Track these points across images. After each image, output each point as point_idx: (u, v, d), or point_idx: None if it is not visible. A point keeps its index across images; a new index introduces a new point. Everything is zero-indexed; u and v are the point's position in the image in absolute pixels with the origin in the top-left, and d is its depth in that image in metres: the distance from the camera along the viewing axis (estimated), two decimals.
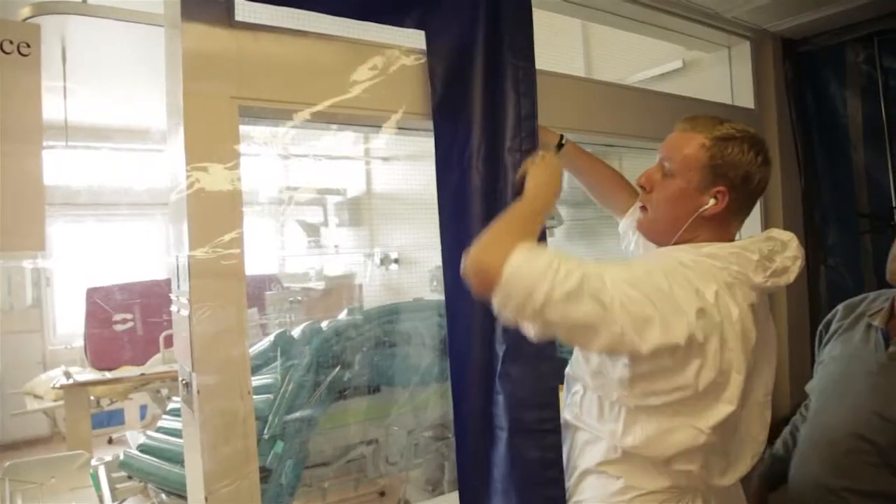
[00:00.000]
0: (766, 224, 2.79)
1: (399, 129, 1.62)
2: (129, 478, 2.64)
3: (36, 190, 1.20)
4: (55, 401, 4.13)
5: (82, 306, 4.70)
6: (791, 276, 1.33)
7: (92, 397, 4.16)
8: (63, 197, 4.56)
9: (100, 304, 4.49)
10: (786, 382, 2.78)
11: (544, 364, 1.57)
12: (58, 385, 3.98)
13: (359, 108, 1.54)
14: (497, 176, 1.63)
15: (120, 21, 1.77)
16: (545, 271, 1.12)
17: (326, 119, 1.53)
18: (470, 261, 1.20)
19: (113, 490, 2.63)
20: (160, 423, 2.78)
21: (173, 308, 1.45)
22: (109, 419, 4.65)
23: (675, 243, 1.38)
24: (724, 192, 1.33)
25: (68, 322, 5.52)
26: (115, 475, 2.74)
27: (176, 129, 1.37)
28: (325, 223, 5.27)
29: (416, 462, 2.62)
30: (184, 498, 2.43)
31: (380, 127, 1.59)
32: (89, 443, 3.78)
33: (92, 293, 4.60)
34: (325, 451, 2.46)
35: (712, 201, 1.34)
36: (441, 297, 1.76)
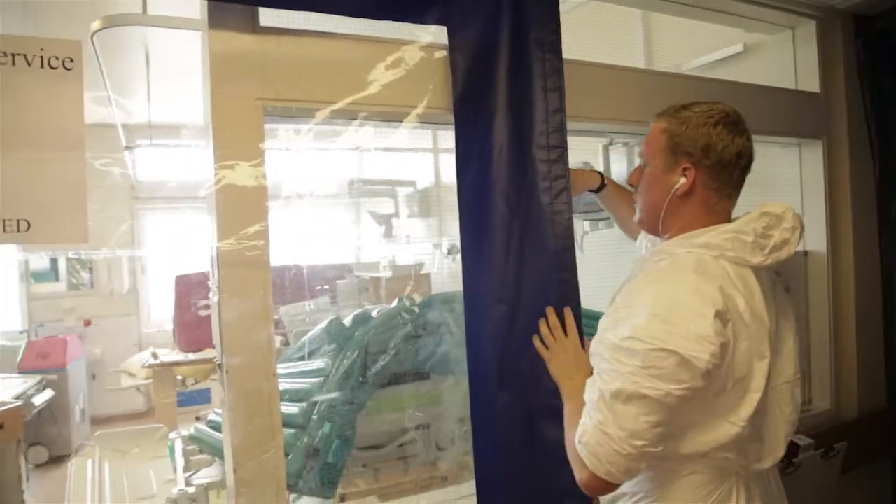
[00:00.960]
0: (832, 216, 2.67)
1: (420, 123, 1.67)
2: (200, 451, 2.83)
3: (79, 190, 1.34)
4: (146, 379, 4.47)
5: (172, 292, 5.01)
6: (791, 248, 1.33)
7: (179, 377, 4.46)
8: (150, 191, 4.89)
9: (186, 291, 4.79)
10: (853, 375, 2.68)
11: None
12: (146, 365, 4.30)
13: (380, 105, 1.61)
14: (525, 170, 1.65)
15: (171, 28, 1.89)
16: (610, 450, 1.20)
17: (349, 116, 1.60)
18: (584, 488, 1.29)
19: (187, 462, 2.82)
20: None
21: (210, 295, 1.57)
22: (197, 398, 4.96)
23: (668, 233, 1.39)
24: (690, 167, 1.34)
25: (161, 307, 5.92)
26: (189, 448, 2.94)
27: (207, 128, 1.48)
28: (396, 214, 5.39)
29: (465, 449, 2.68)
30: None
31: (401, 122, 1.64)
32: (174, 418, 4.06)
33: (180, 280, 4.91)
34: (376, 435, 2.55)
35: (682, 180, 1.35)
36: None
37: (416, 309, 2.54)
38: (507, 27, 1.67)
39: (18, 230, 1.30)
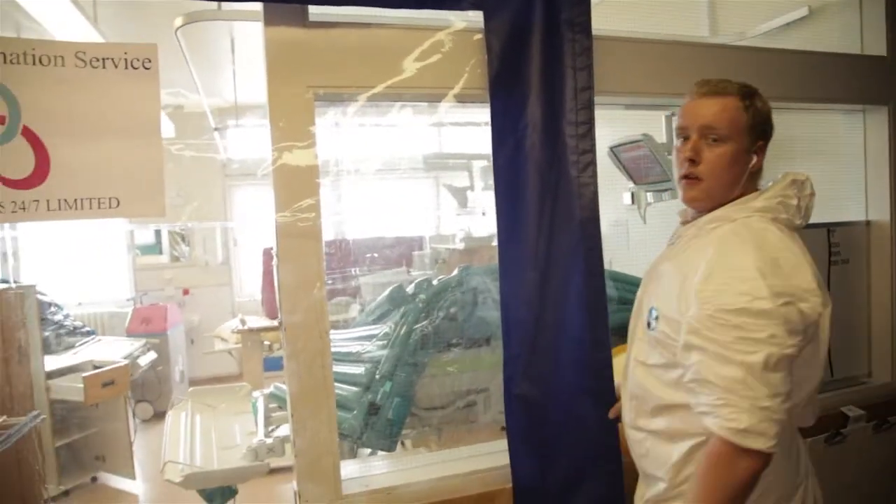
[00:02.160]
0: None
1: (458, 103, 1.80)
2: (279, 408, 3.10)
3: (156, 170, 1.57)
4: (236, 343, 4.86)
5: (260, 263, 5.38)
6: (811, 213, 1.42)
7: (266, 342, 4.82)
8: (238, 169, 5.22)
9: (272, 262, 5.12)
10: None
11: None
12: (236, 330, 4.67)
13: (421, 87, 1.75)
14: (555, 145, 1.76)
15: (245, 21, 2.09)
16: (773, 422, 1.19)
17: (391, 98, 1.75)
18: (751, 477, 1.23)
19: (267, 417, 3.10)
20: None
21: (274, 261, 1.78)
22: (277, 364, 5.32)
23: (717, 206, 1.43)
24: (763, 145, 1.43)
25: (252, 277, 6.34)
26: (270, 405, 3.22)
27: (266, 113, 1.67)
28: (472, 187, 5.52)
29: None
30: None
31: (440, 102, 1.78)
32: (261, 379, 4.41)
33: (266, 252, 5.26)
34: (438, 396, 2.73)
35: (755, 157, 1.42)
36: None
37: (474, 276, 2.68)
38: (540, 9, 1.77)
39: (110, 207, 1.54)
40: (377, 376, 2.50)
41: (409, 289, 2.79)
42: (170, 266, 6.49)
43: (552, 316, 1.74)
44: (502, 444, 1.88)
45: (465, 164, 5.39)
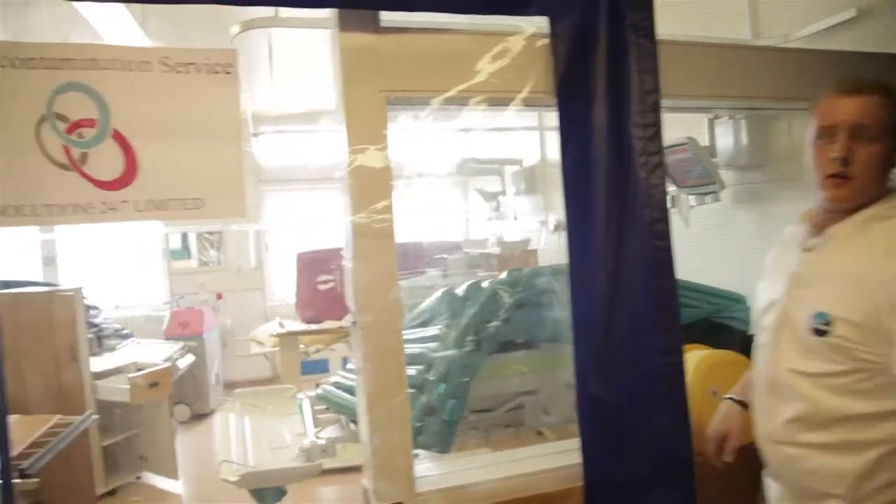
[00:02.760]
0: None
1: (525, 107, 1.83)
2: (326, 409, 3.14)
3: (237, 172, 1.62)
4: (273, 347, 4.91)
5: (293, 268, 5.44)
6: None
7: (302, 346, 4.87)
8: (275, 174, 5.28)
9: (306, 267, 5.19)
10: None
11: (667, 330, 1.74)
12: (274, 333, 4.73)
13: (488, 91, 1.78)
14: (621, 147, 1.78)
15: (302, 28, 2.13)
16: None
17: (460, 103, 1.78)
18: None
19: (315, 419, 3.13)
20: (349, 364, 3.25)
21: (344, 262, 1.82)
22: (317, 367, 5.36)
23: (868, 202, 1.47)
24: None
25: (283, 282, 6.41)
26: (316, 407, 3.26)
27: (340, 117, 1.71)
28: (503, 192, 5.57)
29: (571, 415, 2.83)
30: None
31: (507, 106, 1.81)
32: (299, 382, 4.46)
33: (300, 257, 5.32)
34: (487, 399, 2.75)
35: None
36: None
37: (525, 280, 2.70)
38: (605, 14, 1.79)
39: (195, 207, 1.59)
40: (431, 378, 2.52)
41: (459, 291, 2.82)
42: (204, 270, 6.57)
43: (622, 317, 1.75)
44: (570, 443, 1.90)
45: (497, 169, 5.44)
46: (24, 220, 1.51)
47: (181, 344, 5.04)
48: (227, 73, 1.62)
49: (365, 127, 1.67)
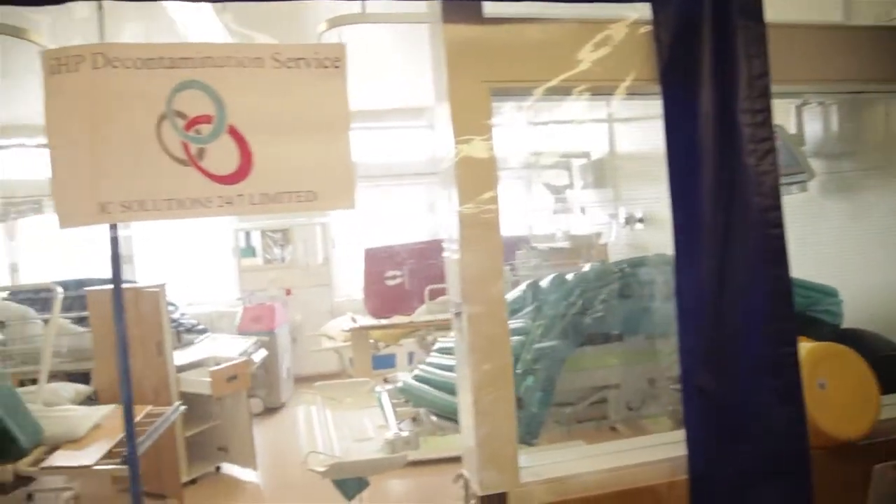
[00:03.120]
0: None
1: (629, 94, 1.80)
2: (406, 402, 3.16)
3: (346, 164, 1.64)
4: (344, 341, 4.98)
5: (361, 264, 5.51)
6: None
7: (371, 340, 4.93)
8: None
9: (374, 263, 5.26)
10: None
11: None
12: (346, 328, 4.80)
13: (591, 80, 1.77)
14: (729, 134, 1.74)
15: (391, 24, 2.15)
16: None
17: (563, 92, 1.77)
18: None
19: (395, 412, 3.16)
20: (429, 358, 3.27)
21: (446, 254, 1.82)
22: (384, 362, 5.42)
23: None
24: None
25: (350, 278, 6.49)
26: (394, 401, 3.29)
27: (443, 109, 1.72)
28: (571, 185, 5.52)
29: (654, 410, 2.79)
30: (448, 419, 2.87)
31: (611, 94, 1.79)
32: (370, 375, 4.50)
33: (368, 253, 5.39)
34: (570, 392, 2.73)
35: None
36: None
37: (611, 273, 2.67)
38: None
39: (308, 200, 1.62)
40: (518, 370, 2.52)
41: (544, 283, 2.80)
42: (272, 267, 6.71)
43: (732, 308, 1.72)
44: (673, 435, 1.87)
45: (565, 163, 5.39)
46: (147, 214, 1.57)
47: (254, 339, 5.15)
48: (336, 67, 1.64)
49: (470, 118, 1.68)
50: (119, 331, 2.15)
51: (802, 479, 1.69)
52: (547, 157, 4.99)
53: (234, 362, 4.24)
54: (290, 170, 1.62)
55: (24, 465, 2.78)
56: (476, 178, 1.67)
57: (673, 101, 1.77)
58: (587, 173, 5.15)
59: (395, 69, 4.05)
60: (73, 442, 2.97)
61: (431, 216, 6.73)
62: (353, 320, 4.87)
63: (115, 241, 1.89)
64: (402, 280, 5.22)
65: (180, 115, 1.58)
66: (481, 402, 1.70)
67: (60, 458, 2.84)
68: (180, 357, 4.26)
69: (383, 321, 4.84)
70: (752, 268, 1.70)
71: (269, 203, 1.61)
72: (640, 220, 4.62)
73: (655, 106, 2.15)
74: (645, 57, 1.80)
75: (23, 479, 2.99)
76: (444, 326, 4.66)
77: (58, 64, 1.54)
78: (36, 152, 5.73)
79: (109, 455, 2.87)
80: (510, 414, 1.74)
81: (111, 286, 4.35)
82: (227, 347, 4.82)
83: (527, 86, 1.74)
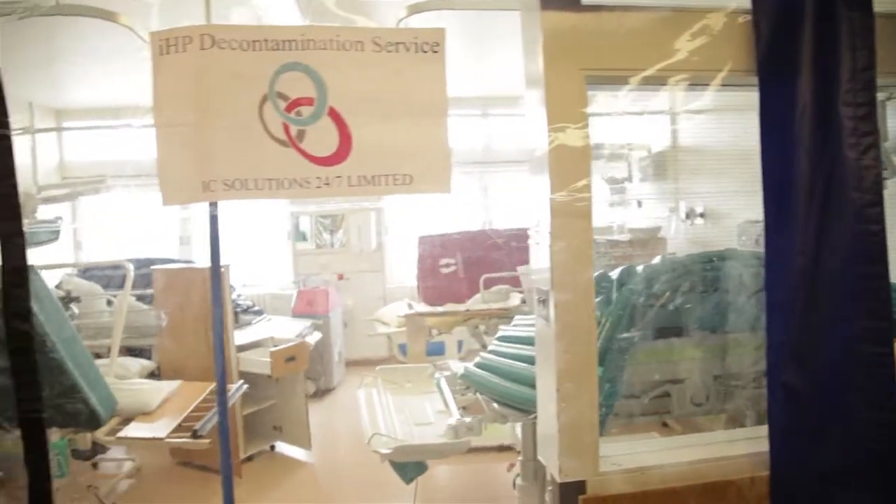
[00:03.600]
0: None
1: (722, 85, 1.78)
2: (467, 388, 3.19)
3: (443, 149, 1.66)
4: (398, 327, 5.02)
5: (414, 251, 5.55)
6: None
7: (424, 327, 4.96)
8: None
9: (428, 250, 5.29)
10: None
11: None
12: (402, 315, 4.84)
13: (687, 70, 1.75)
14: (829, 127, 1.70)
15: (475, 10, 2.15)
16: None
17: (658, 82, 1.76)
18: None
19: (459, 397, 3.19)
20: (491, 347, 3.29)
21: (531, 242, 1.83)
22: (435, 349, 5.46)
23: None
24: None
25: (402, 264, 6.55)
26: (454, 387, 3.32)
27: (536, 97, 1.72)
28: (629, 178, 5.46)
29: (720, 407, 2.75)
30: (510, 407, 2.89)
31: (706, 85, 1.77)
32: (423, 362, 4.54)
33: (422, 240, 5.42)
34: (635, 385, 2.71)
35: None
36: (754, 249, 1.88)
37: (683, 265, 2.63)
38: None
39: (404, 183, 1.64)
40: None
41: (613, 275, 2.78)
42: (326, 252, 6.80)
43: (824, 304, 1.69)
44: (754, 430, 1.86)
45: (625, 155, 5.33)
46: (247, 193, 1.61)
47: (309, 322, 5.24)
48: (435, 51, 1.66)
49: (565, 105, 1.67)
50: (216, 309, 2.24)
51: (890, 485, 1.66)
52: (607, 148, 4.93)
53: (293, 343, 4.32)
54: (388, 153, 1.65)
55: (100, 435, 2.88)
56: (569, 166, 1.67)
57: (770, 92, 1.74)
58: (647, 166, 5.09)
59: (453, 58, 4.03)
60: (146, 415, 3.07)
61: (484, 204, 6.73)
62: (410, 306, 4.91)
63: (214, 220, 1.94)
64: (455, 268, 5.25)
65: (282, 96, 1.62)
66: (565, 389, 1.71)
67: (134, 430, 2.94)
68: (239, 337, 4.36)
69: (439, 308, 4.86)
70: (847, 265, 1.66)
71: (366, 185, 1.64)
72: (701, 215, 4.55)
73: (727, 97, 2.11)
74: (742, 47, 1.77)
75: (99, 447, 3.11)
76: (498, 315, 4.67)
77: (166, 44, 1.59)
78: (102, 134, 5.92)
79: (178, 429, 2.96)
80: (593, 402, 1.75)
81: (175, 265, 4.49)
82: (283, 329, 4.91)
83: (622, 74, 1.73)
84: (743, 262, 2.62)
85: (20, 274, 1.57)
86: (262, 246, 6.85)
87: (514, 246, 4.89)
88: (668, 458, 1.85)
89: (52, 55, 4.29)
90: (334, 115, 1.62)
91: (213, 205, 1.85)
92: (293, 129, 1.62)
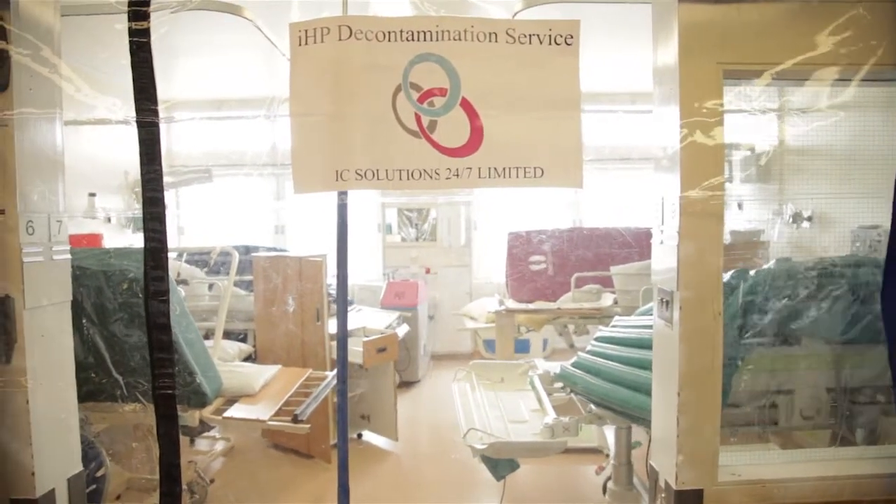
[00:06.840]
0: None
1: (865, 80, 1.68)
2: (563, 387, 3.15)
3: (575, 143, 1.63)
4: (488, 322, 5.02)
5: (504, 248, 5.52)
6: None
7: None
8: None
9: (518, 246, 5.25)
10: None
11: None
12: (492, 311, 4.84)
13: (828, 64, 1.66)
14: None
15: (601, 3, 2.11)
16: None
17: (797, 77, 1.68)
18: None
19: (549, 396, 3.16)
20: (589, 348, 3.23)
21: (654, 240, 1.79)
22: (521, 346, 5.43)
23: None
24: None
25: (490, 260, 6.53)
26: (547, 386, 3.28)
27: (668, 92, 1.67)
28: (730, 179, 5.26)
29: (831, 422, 2.61)
30: (610, 410, 2.83)
31: (849, 80, 1.68)
32: (512, 359, 4.52)
33: (512, 237, 5.39)
34: (740, 394, 2.61)
35: None
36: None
37: (800, 271, 2.52)
38: None
39: (535, 176, 1.63)
40: None
41: (725, 277, 2.69)
42: (415, 245, 6.87)
43: None
44: (890, 449, 1.75)
45: (726, 154, 5.13)
46: (378, 183, 1.63)
47: (397, 314, 5.30)
48: (569, 44, 1.63)
49: (700, 101, 1.62)
50: (340, 296, 2.28)
51: None
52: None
53: (385, 334, 4.38)
54: (519, 145, 1.64)
55: (207, 413, 3.00)
56: (702, 163, 1.62)
57: None
58: (748, 166, 4.89)
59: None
60: (249, 397, 3.18)
61: (574, 201, 6.61)
62: (501, 303, 4.90)
63: (342, 209, 1.99)
64: (545, 266, 5.19)
65: (415, 87, 1.63)
66: (687, 393, 1.66)
67: (238, 411, 3.04)
68: (331, 326, 4.44)
69: (530, 306, 4.83)
70: None
71: (496, 177, 1.63)
72: (809, 219, 4.33)
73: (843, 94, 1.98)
74: (892, 38, 1.67)
75: (205, 425, 3.24)
76: (589, 315, 4.60)
77: (305, 36, 1.63)
78: (205, 125, 6.17)
79: (279, 413, 3.05)
80: (716, 409, 1.70)
81: (273, 254, 4.62)
82: (373, 320, 4.98)
83: (761, 68, 1.66)
84: (864, 269, 2.49)
85: (159, 255, 1.64)
86: (353, 237, 6.96)
87: (605, 246, 4.83)
88: (793, 473, 1.78)
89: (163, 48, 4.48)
90: (466, 106, 1.62)
91: (343, 194, 1.89)
92: (425, 120, 1.64)
